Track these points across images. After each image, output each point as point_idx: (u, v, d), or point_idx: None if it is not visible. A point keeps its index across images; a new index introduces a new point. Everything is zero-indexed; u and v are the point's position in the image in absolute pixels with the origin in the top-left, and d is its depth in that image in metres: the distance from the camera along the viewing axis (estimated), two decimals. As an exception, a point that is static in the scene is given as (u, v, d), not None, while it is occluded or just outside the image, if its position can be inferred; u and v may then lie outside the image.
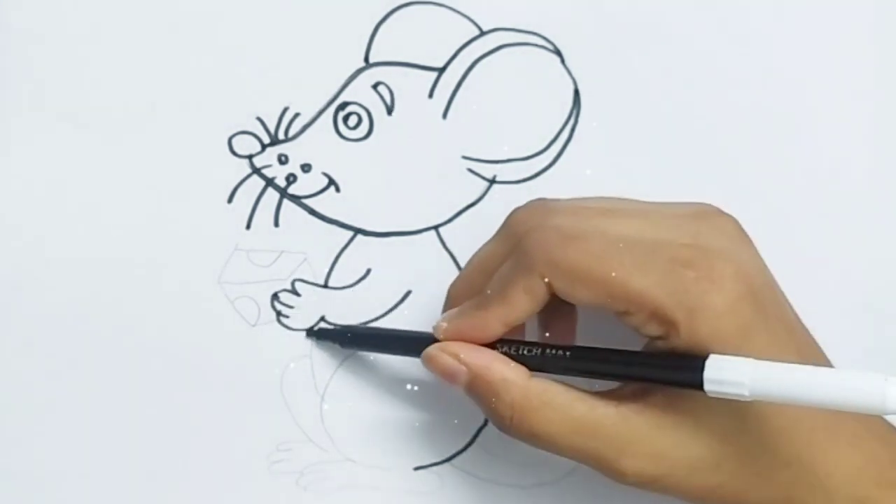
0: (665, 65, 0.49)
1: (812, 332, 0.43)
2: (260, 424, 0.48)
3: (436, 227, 0.49)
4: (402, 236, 0.49)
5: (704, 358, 0.38)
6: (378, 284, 0.49)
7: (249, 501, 0.48)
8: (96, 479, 0.48)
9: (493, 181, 0.49)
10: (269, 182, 0.49)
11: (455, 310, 0.44)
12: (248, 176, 0.49)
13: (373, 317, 0.49)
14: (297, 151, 0.49)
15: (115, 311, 0.48)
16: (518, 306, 0.42)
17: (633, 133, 0.49)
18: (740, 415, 0.40)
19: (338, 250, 0.49)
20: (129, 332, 0.48)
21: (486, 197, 0.49)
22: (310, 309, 0.49)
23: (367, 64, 0.49)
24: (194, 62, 0.49)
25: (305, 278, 0.49)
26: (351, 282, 0.49)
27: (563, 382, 0.42)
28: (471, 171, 0.49)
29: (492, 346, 0.43)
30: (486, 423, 0.48)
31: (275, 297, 0.49)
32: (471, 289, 0.44)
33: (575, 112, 0.49)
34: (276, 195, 0.49)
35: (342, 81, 0.49)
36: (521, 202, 0.49)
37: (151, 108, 0.49)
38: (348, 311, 0.49)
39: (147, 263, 0.48)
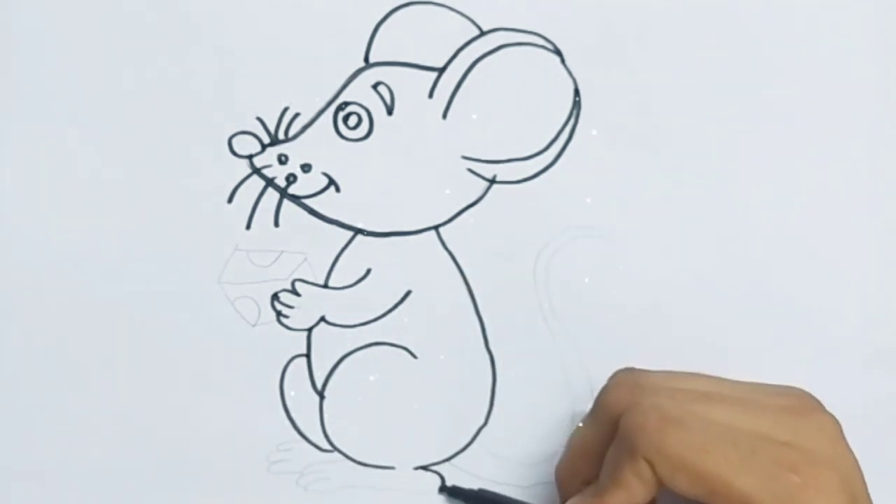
0: (665, 65, 0.49)
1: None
2: (260, 424, 0.48)
3: (436, 227, 0.49)
4: (402, 236, 0.49)
5: None
6: (378, 284, 0.49)
7: (249, 501, 0.48)
8: (96, 478, 0.48)
9: (493, 181, 0.49)
10: (269, 182, 0.49)
11: (577, 497, 0.44)
12: (248, 176, 0.49)
13: (373, 317, 0.49)
14: (297, 151, 0.49)
15: (115, 311, 0.48)
16: (633, 491, 0.41)
17: (633, 133, 0.49)
18: None
19: (338, 250, 0.49)
20: (130, 332, 0.48)
21: (486, 197, 0.49)
22: (310, 309, 0.49)
23: (367, 64, 0.49)
24: (195, 62, 0.49)
25: (305, 278, 0.49)
26: (351, 282, 0.49)
27: None
28: (471, 171, 0.49)
29: None
30: (486, 423, 0.49)
31: (275, 297, 0.49)
32: (575, 473, 0.44)
33: (575, 112, 0.49)
34: (276, 195, 0.49)
35: (342, 81, 0.49)
36: (521, 202, 0.49)
37: (152, 108, 0.49)
38: (348, 311, 0.49)
39: (147, 263, 0.48)
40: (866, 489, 0.41)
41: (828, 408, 0.46)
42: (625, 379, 0.44)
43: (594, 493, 0.43)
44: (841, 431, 0.42)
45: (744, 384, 0.43)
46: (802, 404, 0.42)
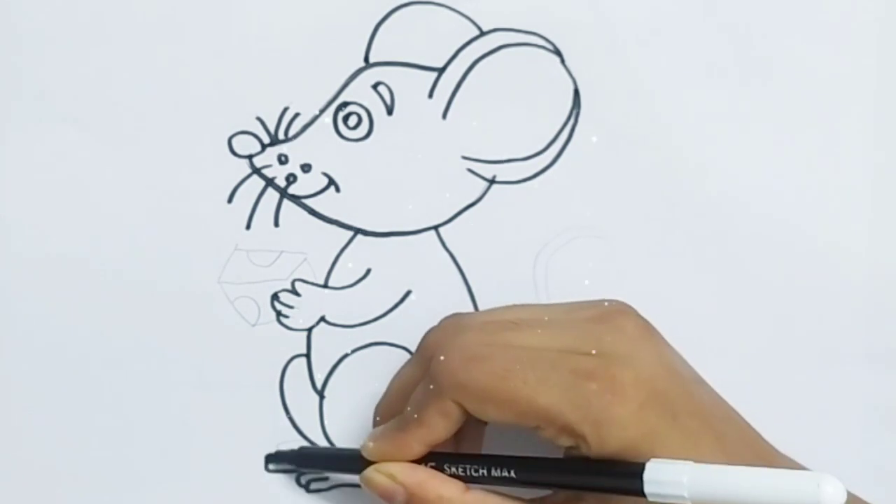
0: (665, 65, 0.49)
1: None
2: (260, 424, 0.48)
3: (436, 227, 0.49)
4: (402, 236, 0.49)
5: (644, 463, 0.38)
6: (378, 284, 0.49)
7: (249, 501, 0.48)
8: (96, 478, 0.48)
9: (492, 181, 0.49)
10: (269, 182, 0.49)
11: (379, 429, 0.45)
12: (248, 176, 0.49)
13: (373, 317, 0.49)
14: (297, 151, 0.49)
15: (115, 311, 0.48)
16: (435, 428, 0.42)
17: (633, 134, 0.49)
18: None
19: (338, 250, 0.49)
20: (129, 332, 0.48)
21: (486, 197, 0.49)
22: (310, 309, 0.49)
23: (367, 64, 0.49)
24: (194, 62, 0.49)
25: (305, 278, 0.49)
26: (351, 282, 0.49)
27: (497, 492, 0.42)
28: (470, 171, 0.49)
29: (441, 461, 0.43)
30: (485, 423, 0.48)
31: (275, 297, 0.49)
32: (393, 411, 0.45)
33: (575, 112, 0.49)
34: (276, 195, 0.49)
35: (342, 81, 0.49)
36: (521, 202, 0.49)
37: (152, 108, 0.49)
38: (348, 311, 0.49)
39: (147, 263, 0.48)
40: (675, 379, 0.41)
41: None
42: (447, 321, 0.45)
43: (396, 427, 0.43)
44: (642, 327, 0.42)
45: (560, 305, 0.43)
46: (607, 311, 0.42)
